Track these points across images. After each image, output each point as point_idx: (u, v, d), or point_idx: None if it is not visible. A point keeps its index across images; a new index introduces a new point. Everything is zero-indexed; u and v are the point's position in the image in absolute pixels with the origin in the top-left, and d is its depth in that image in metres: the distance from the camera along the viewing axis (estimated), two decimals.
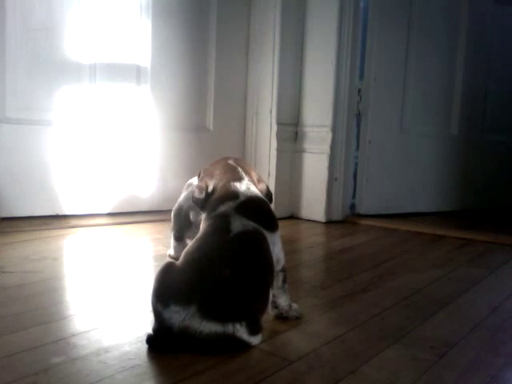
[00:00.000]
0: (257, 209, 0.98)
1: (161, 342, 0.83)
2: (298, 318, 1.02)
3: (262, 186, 1.08)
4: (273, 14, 2.24)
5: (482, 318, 1.09)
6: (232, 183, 1.00)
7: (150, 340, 0.84)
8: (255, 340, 0.87)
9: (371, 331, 0.99)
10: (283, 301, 1.01)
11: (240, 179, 1.02)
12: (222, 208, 0.96)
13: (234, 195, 0.98)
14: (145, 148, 2.11)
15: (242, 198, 0.97)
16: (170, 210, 1.48)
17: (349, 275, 1.38)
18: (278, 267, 0.99)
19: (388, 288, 1.28)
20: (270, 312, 1.01)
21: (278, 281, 0.99)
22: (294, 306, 1.03)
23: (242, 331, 0.83)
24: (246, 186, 1.00)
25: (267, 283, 0.92)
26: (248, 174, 1.05)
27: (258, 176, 1.10)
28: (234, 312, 0.83)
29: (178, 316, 0.81)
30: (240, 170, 1.05)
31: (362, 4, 2.22)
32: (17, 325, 0.93)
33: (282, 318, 1.01)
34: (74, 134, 1.93)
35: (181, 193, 1.47)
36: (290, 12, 2.24)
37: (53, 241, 1.60)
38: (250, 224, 0.93)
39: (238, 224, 0.92)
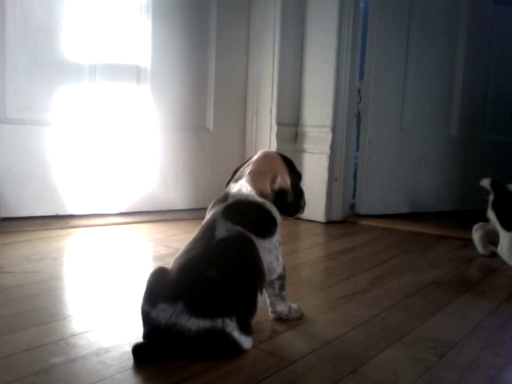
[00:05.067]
0: (244, 213, 0.94)
1: (148, 348, 0.81)
2: (298, 319, 1.02)
3: (276, 186, 0.98)
4: (273, 13, 2.24)
5: (482, 318, 1.09)
6: (230, 184, 0.99)
7: (136, 351, 0.81)
8: (246, 342, 0.85)
9: (371, 331, 0.99)
10: (281, 307, 1.00)
11: (238, 179, 0.99)
12: (213, 211, 0.95)
13: (224, 198, 0.96)
14: (145, 148, 2.11)
15: (229, 201, 0.95)
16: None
17: (349, 275, 1.38)
18: (270, 276, 0.96)
19: (388, 288, 1.28)
20: (270, 314, 1.01)
21: (274, 289, 0.98)
22: (294, 306, 1.03)
23: (232, 326, 0.81)
24: (238, 188, 0.97)
25: (254, 286, 0.89)
26: (256, 173, 0.98)
27: (275, 175, 0.98)
28: (222, 307, 0.81)
29: (165, 314, 0.80)
30: (248, 167, 0.99)
31: (361, 4, 2.22)
32: (17, 325, 0.93)
33: (282, 319, 1.01)
34: (74, 134, 1.93)
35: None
36: (290, 12, 2.24)
37: (53, 241, 1.60)
38: (236, 229, 0.90)
39: (223, 229, 0.90)
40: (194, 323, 0.79)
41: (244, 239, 0.91)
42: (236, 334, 0.82)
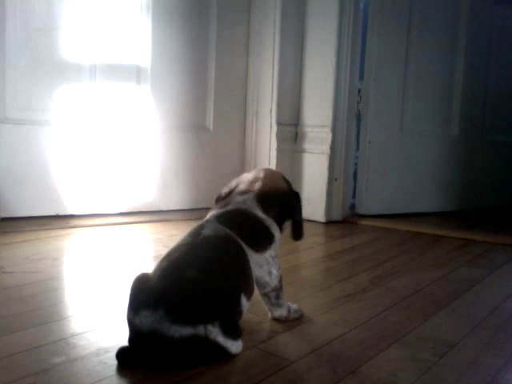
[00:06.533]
0: (240, 221, 0.93)
1: (132, 353, 0.80)
2: (298, 319, 1.02)
3: (256, 191, 0.99)
4: (273, 13, 2.24)
5: (482, 318, 1.09)
6: (235, 194, 0.99)
7: (119, 354, 0.80)
8: (234, 346, 0.81)
9: (371, 331, 0.99)
10: (279, 312, 1.00)
11: (246, 192, 0.99)
12: (210, 213, 0.97)
13: (225, 203, 0.98)
14: (145, 148, 2.11)
15: (228, 208, 0.96)
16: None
17: (349, 275, 1.38)
18: (263, 290, 0.96)
19: (388, 288, 1.28)
20: (270, 316, 1.01)
21: (269, 299, 0.98)
22: (294, 307, 1.02)
23: (215, 333, 0.78)
24: (244, 198, 0.97)
25: (237, 287, 0.87)
26: (250, 181, 1.01)
27: (254, 184, 1.00)
28: (203, 312, 0.78)
29: (147, 320, 0.77)
30: (257, 183, 1.00)
31: (361, 4, 2.22)
32: (17, 325, 0.93)
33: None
34: (74, 134, 1.93)
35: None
36: (290, 12, 2.24)
37: (53, 241, 1.60)
38: (224, 230, 0.90)
39: (210, 229, 0.90)
40: (176, 330, 0.76)
41: (231, 240, 0.90)
42: (221, 340, 0.79)
